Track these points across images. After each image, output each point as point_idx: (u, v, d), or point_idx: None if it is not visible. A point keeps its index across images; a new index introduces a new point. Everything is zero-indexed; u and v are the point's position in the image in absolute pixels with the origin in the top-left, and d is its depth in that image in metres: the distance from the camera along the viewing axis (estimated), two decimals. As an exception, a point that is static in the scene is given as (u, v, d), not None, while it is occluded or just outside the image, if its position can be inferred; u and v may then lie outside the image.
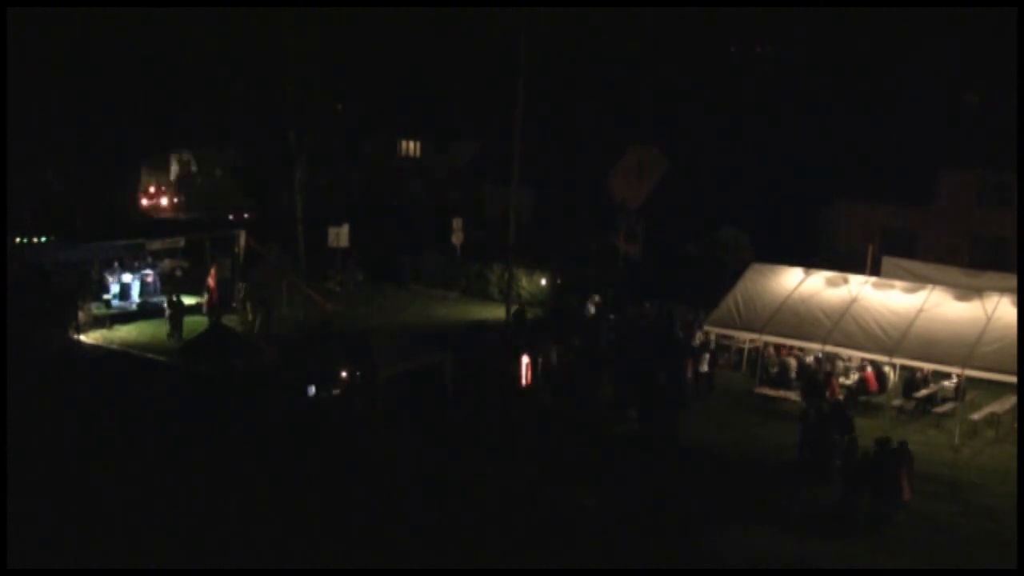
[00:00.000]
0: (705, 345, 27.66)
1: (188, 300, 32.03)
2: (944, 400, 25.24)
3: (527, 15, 30.24)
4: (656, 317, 31.30)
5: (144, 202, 59.59)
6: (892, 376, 25.87)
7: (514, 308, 31.39)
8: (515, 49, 29.49)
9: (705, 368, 26.58)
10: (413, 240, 42.67)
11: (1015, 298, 24.43)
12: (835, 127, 44.99)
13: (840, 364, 26.89)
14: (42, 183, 43.46)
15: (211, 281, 32.48)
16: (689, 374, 25.99)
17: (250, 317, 30.84)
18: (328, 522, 17.59)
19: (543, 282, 36.45)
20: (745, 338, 27.78)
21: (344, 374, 22.96)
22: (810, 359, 26.90)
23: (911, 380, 25.59)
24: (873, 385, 25.49)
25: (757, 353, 28.10)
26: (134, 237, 33.61)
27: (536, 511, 18.36)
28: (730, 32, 57.19)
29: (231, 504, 18.24)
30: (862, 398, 25.42)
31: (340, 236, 37.11)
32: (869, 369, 25.79)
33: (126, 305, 32.37)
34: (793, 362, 26.63)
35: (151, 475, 19.36)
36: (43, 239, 32.20)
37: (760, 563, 16.59)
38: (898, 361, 24.89)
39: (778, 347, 27.44)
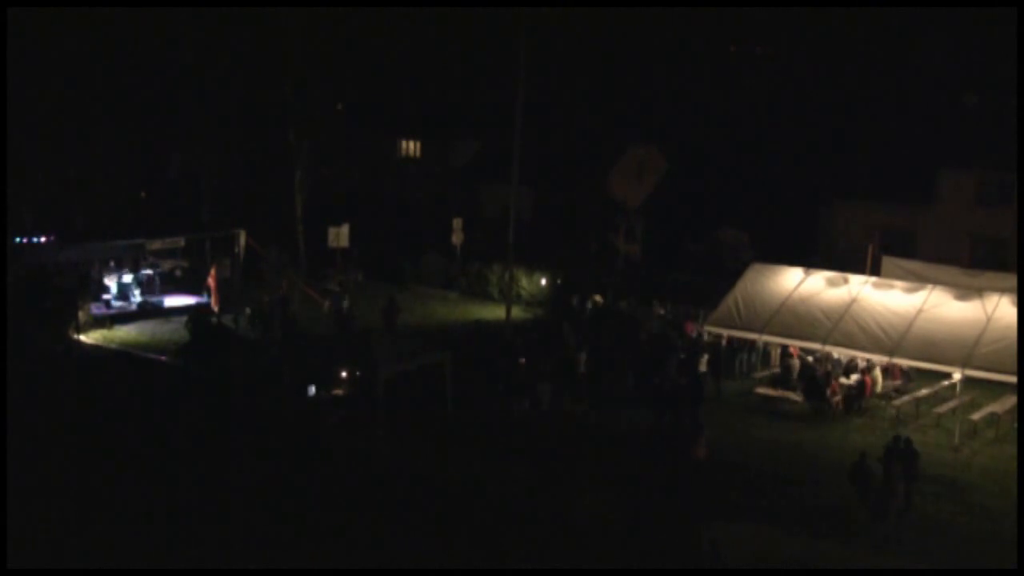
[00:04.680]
0: (706, 345, 27.70)
1: (187, 300, 32.11)
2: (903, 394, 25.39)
3: (527, 15, 30.23)
4: (673, 318, 31.35)
5: None
6: (880, 380, 25.87)
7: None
8: (515, 49, 29.48)
9: (704, 368, 26.63)
10: (413, 240, 42.64)
11: (1015, 298, 24.44)
12: (835, 127, 44.97)
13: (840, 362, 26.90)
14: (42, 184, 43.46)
15: (211, 281, 32.49)
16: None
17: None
18: (328, 522, 17.59)
19: (543, 282, 36.45)
20: (745, 337, 27.77)
21: (344, 374, 22.97)
22: (810, 359, 26.90)
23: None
24: (869, 389, 25.52)
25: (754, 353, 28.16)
26: (134, 237, 33.63)
27: (536, 511, 18.36)
28: (730, 32, 57.16)
29: (231, 504, 18.23)
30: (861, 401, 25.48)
31: (340, 236, 37.09)
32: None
33: (126, 305, 32.36)
34: (796, 362, 26.60)
35: (151, 475, 19.36)
36: (43, 239, 32.23)
37: (760, 563, 16.58)
38: (898, 361, 24.90)
39: (784, 346, 27.42)
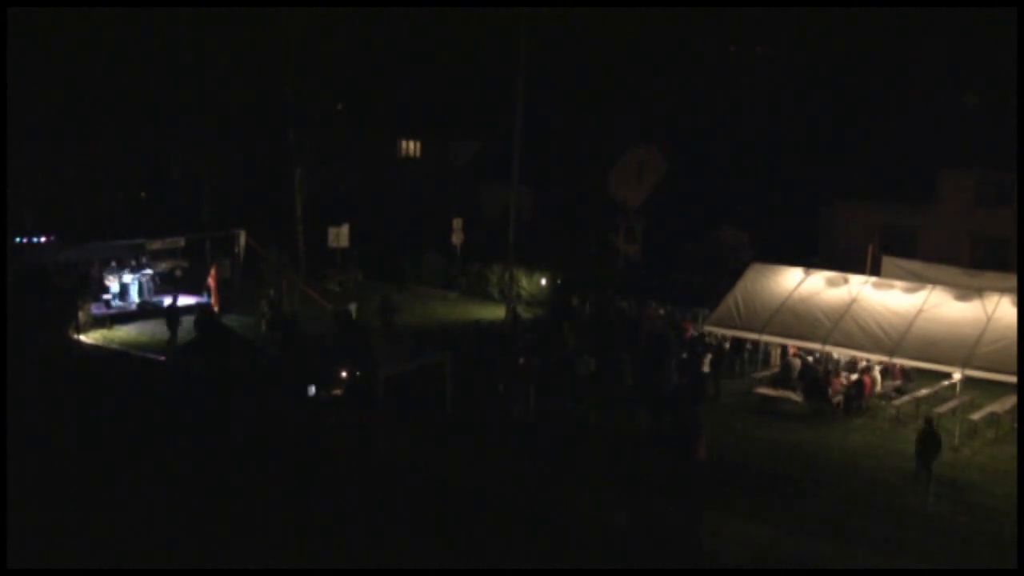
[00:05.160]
0: (708, 345, 27.69)
1: (187, 300, 32.16)
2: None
3: (527, 15, 30.24)
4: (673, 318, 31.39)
5: None
6: (879, 380, 25.84)
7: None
8: (515, 49, 29.49)
9: (707, 369, 26.63)
10: (413, 240, 42.65)
11: (1015, 298, 24.42)
12: (835, 127, 44.96)
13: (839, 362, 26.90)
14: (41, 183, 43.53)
15: (211, 281, 32.51)
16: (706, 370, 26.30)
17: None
18: (327, 521, 17.59)
19: (543, 282, 36.46)
20: (745, 337, 27.76)
21: (344, 374, 22.96)
22: (811, 359, 26.90)
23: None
24: (869, 389, 25.51)
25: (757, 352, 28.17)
26: (134, 237, 33.64)
27: (536, 511, 18.37)
28: (730, 32, 57.12)
29: (231, 504, 18.24)
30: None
31: (340, 236, 37.12)
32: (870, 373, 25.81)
33: (126, 305, 32.37)
34: (797, 362, 26.60)
35: (151, 475, 19.36)
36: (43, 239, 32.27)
37: (760, 563, 16.59)
38: (898, 361, 24.90)
39: (784, 346, 27.42)
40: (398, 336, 27.57)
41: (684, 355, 27.28)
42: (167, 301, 30.48)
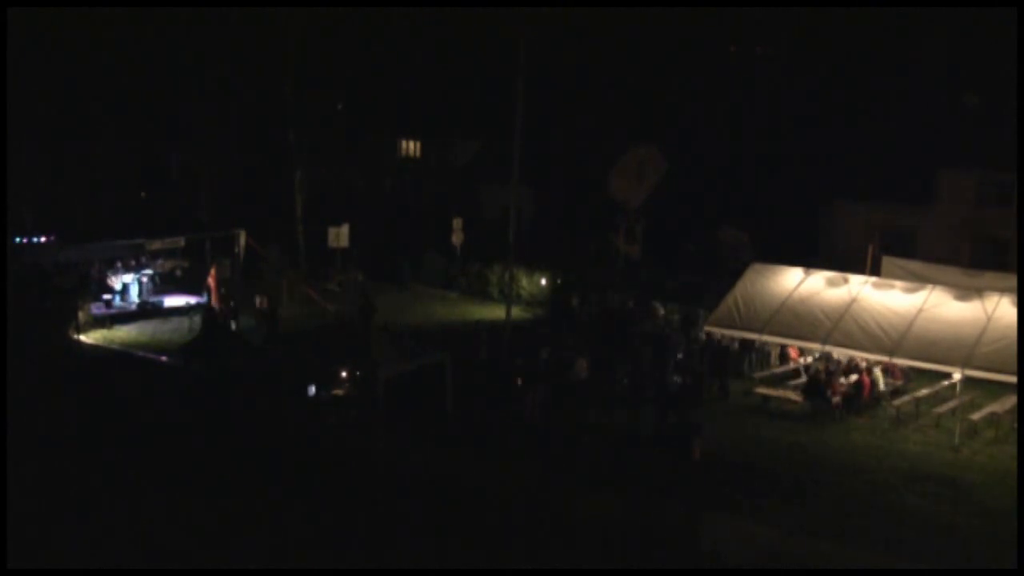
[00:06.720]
0: (706, 346, 27.70)
1: (187, 300, 32.16)
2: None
3: (527, 15, 30.24)
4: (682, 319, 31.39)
5: None
6: (881, 380, 25.85)
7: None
8: (515, 49, 29.47)
9: (703, 369, 26.64)
10: (413, 240, 42.64)
11: (1015, 298, 24.40)
12: (835, 127, 44.96)
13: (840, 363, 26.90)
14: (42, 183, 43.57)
15: (211, 281, 32.51)
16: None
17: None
18: (327, 521, 17.59)
19: (543, 282, 36.46)
20: (745, 337, 27.76)
21: (344, 374, 22.96)
22: (811, 359, 26.90)
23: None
24: (868, 389, 25.51)
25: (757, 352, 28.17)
26: (134, 237, 33.65)
27: (536, 511, 18.37)
28: (730, 32, 57.09)
29: (230, 504, 18.24)
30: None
31: (340, 236, 37.11)
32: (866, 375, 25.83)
33: (126, 305, 32.37)
34: (797, 362, 26.60)
35: (151, 475, 19.37)
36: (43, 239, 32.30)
37: (760, 563, 16.59)
38: (898, 361, 24.90)
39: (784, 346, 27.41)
40: (396, 336, 27.56)
41: (680, 355, 27.29)
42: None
